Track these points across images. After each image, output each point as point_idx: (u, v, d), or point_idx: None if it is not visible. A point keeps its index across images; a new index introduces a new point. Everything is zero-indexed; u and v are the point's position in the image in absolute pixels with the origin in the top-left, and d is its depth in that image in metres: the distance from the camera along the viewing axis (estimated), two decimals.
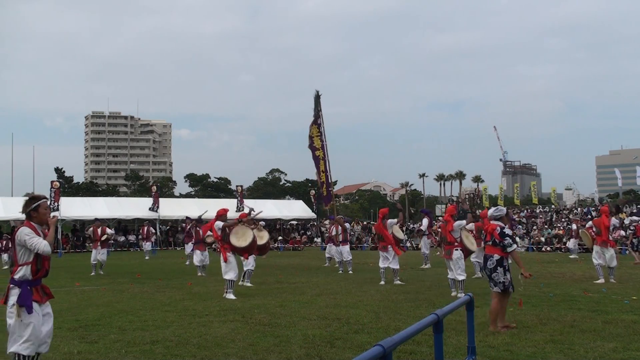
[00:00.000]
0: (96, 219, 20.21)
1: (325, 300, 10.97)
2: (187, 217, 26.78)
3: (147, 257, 27.26)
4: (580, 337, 7.15)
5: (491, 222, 8.05)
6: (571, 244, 25.03)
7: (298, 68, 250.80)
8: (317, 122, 21.80)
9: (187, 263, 22.66)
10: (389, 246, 14.03)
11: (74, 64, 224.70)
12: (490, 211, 8.22)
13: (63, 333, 7.73)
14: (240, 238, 12.01)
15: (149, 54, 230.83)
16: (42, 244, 5.28)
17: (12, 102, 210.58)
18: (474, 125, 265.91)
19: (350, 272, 17.45)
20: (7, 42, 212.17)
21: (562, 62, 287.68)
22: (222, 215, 12.35)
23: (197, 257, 17.68)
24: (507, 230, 7.89)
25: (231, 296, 11.33)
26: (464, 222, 11.92)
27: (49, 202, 5.54)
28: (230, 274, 11.62)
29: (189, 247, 23.45)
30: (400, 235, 15.76)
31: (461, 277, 11.30)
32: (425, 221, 20.84)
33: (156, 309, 10.08)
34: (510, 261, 7.90)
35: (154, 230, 32.29)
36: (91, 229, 19.32)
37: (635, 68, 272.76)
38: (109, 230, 19.93)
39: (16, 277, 5.34)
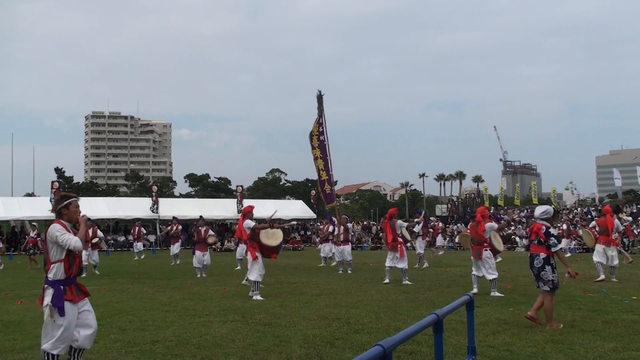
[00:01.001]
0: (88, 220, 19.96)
1: (325, 300, 10.97)
2: (173, 217, 26.64)
3: (136, 258, 27.11)
4: (580, 337, 7.16)
5: (537, 221, 8.24)
6: (564, 243, 25.12)
7: (298, 68, 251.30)
8: (318, 121, 21.76)
9: (173, 263, 22.63)
10: (399, 246, 14.00)
11: (74, 64, 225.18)
12: (538, 212, 8.38)
13: None
14: (271, 237, 11.76)
15: (149, 54, 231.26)
16: (73, 240, 5.41)
17: (12, 102, 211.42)
18: (474, 125, 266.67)
19: (350, 271, 17.47)
20: (7, 42, 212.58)
21: (562, 62, 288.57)
22: (248, 212, 12.17)
23: (197, 259, 17.09)
24: (553, 230, 8.10)
25: (258, 297, 11.18)
26: (495, 224, 12.02)
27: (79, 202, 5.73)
28: (254, 275, 11.46)
29: (175, 247, 23.34)
30: (408, 237, 15.92)
31: (492, 276, 11.44)
32: None
33: (156, 309, 10.07)
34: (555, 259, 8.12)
35: (145, 231, 31.87)
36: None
37: (635, 68, 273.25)
38: (100, 233, 19.58)
39: (50, 276, 5.44)
